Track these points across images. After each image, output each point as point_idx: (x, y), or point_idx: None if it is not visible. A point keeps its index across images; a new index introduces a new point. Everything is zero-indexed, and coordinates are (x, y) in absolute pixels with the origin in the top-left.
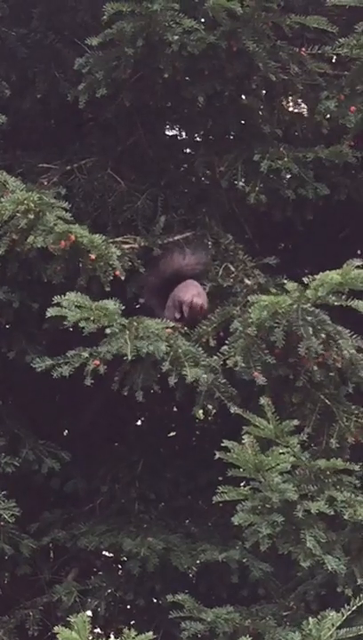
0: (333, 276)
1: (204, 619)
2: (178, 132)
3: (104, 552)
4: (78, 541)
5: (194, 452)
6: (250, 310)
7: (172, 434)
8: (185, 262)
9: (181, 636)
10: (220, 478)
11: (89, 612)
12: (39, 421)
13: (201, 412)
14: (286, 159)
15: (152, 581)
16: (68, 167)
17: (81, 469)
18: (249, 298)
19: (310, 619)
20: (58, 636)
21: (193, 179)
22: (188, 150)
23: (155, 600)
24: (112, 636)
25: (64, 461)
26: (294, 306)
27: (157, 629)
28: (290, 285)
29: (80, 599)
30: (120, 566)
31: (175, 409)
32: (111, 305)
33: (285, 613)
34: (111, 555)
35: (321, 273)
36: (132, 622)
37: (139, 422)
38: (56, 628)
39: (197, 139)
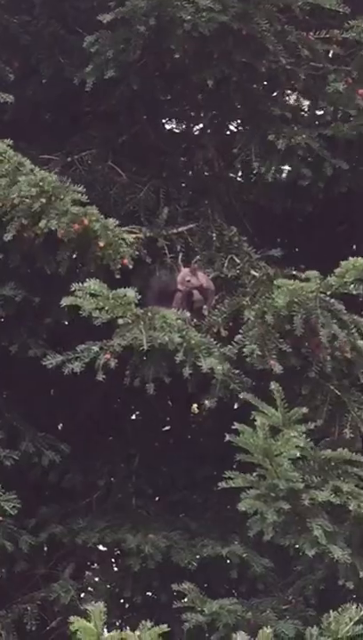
0: (361, 261)
1: (205, 610)
2: (178, 124)
3: (100, 547)
4: (77, 537)
5: (190, 446)
6: (274, 295)
7: (166, 428)
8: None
9: (179, 630)
10: (215, 473)
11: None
12: (36, 415)
13: (195, 406)
14: (304, 135)
15: (150, 578)
16: (69, 159)
17: (78, 463)
18: (275, 282)
19: (330, 612)
20: (73, 625)
21: (190, 172)
22: (189, 142)
23: (153, 596)
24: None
25: (64, 454)
26: (313, 294)
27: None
28: (310, 273)
29: (77, 595)
30: (114, 561)
31: (170, 403)
32: (130, 293)
33: (284, 607)
34: (105, 549)
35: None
36: (127, 617)
37: (133, 416)
38: (72, 618)
39: (196, 132)
